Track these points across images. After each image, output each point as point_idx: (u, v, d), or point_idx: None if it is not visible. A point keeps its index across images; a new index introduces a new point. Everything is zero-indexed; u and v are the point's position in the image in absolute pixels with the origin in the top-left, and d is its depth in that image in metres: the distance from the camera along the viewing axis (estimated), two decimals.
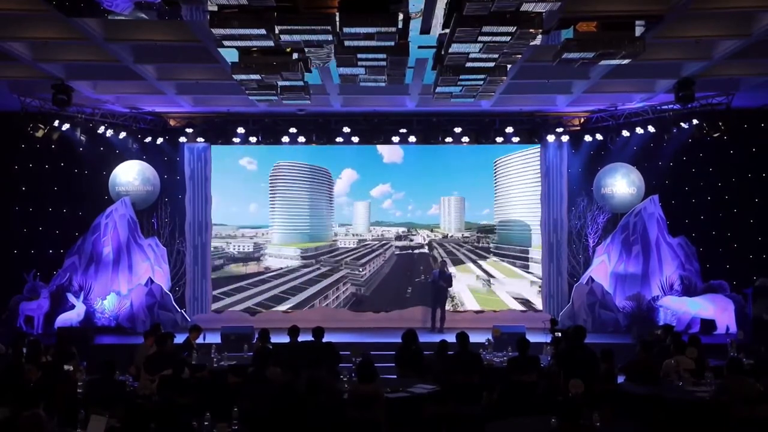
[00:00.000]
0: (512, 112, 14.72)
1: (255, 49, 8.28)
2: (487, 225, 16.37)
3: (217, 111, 14.69)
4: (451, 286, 14.98)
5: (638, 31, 8.62)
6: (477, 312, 15.40)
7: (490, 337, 10.76)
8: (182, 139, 14.98)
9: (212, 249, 15.82)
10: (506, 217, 16.22)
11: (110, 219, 15.06)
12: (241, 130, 14.67)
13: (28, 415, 5.41)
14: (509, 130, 14.68)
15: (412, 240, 16.46)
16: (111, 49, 10.26)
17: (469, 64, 8.75)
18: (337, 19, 7.21)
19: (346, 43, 7.81)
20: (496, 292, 15.78)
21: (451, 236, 16.36)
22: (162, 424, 5.76)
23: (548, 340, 10.60)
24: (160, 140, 15.02)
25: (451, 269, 15.43)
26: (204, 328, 10.63)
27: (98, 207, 15.17)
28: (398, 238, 16.42)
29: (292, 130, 14.70)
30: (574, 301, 14.77)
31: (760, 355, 9.40)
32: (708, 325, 13.71)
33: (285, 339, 9.79)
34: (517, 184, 16.15)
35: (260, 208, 16.20)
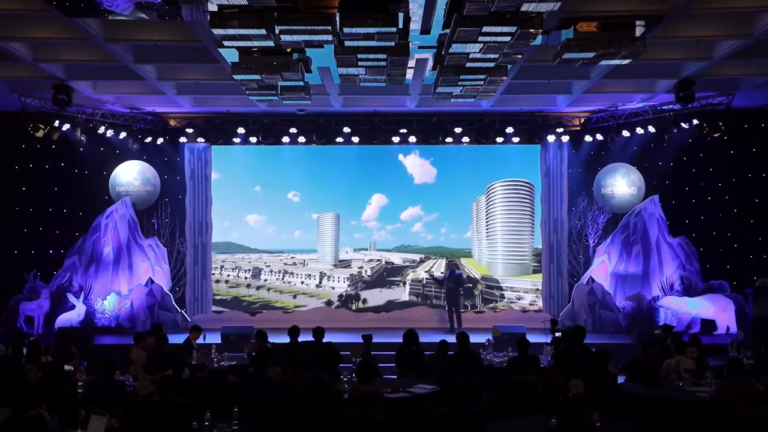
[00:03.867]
0: (512, 112, 14.71)
1: (255, 49, 8.28)
2: None
3: (217, 111, 14.69)
4: (462, 286, 14.88)
5: (638, 31, 8.62)
6: (477, 312, 15.39)
7: (490, 337, 10.75)
8: (182, 140, 14.98)
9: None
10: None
11: (110, 219, 15.06)
12: (241, 130, 14.67)
13: (32, 416, 5.41)
14: (509, 130, 14.67)
15: (360, 304, 15.33)
16: (111, 49, 10.25)
17: (469, 64, 8.75)
18: (338, 19, 7.21)
19: (347, 43, 7.82)
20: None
21: (502, 290, 15.42)
22: (162, 424, 5.76)
23: (548, 340, 10.61)
24: (160, 140, 15.02)
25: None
26: (204, 328, 10.67)
27: (98, 207, 15.16)
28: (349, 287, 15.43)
29: (293, 130, 14.71)
30: (575, 301, 14.76)
31: (760, 355, 9.39)
32: (708, 325, 13.70)
33: (285, 339, 9.78)
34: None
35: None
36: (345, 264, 15.84)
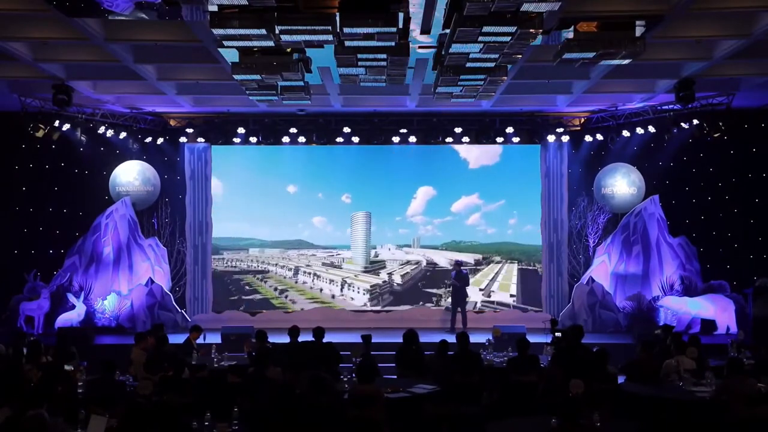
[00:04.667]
0: (512, 112, 14.71)
1: (255, 49, 8.28)
2: None
3: (217, 111, 14.69)
4: (467, 285, 14.73)
5: (638, 31, 8.62)
6: (477, 312, 15.39)
7: (490, 337, 10.75)
8: (182, 140, 14.99)
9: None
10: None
11: (110, 219, 15.06)
12: (241, 130, 14.68)
13: (32, 416, 5.41)
14: (509, 130, 14.67)
15: None
16: (111, 49, 10.26)
17: (469, 64, 8.76)
18: (338, 19, 7.22)
19: (347, 43, 7.82)
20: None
21: None
22: (162, 424, 5.76)
23: (548, 340, 10.60)
24: (160, 140, 15.03)
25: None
26: (204, 328, 10.67)
27: (98, 207, 15.16)
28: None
29: (293, 130, 14.71)
30: (575, 301, 14.76)
31: (760, 355, 9.39)
32: (708, 325, 13.70)
33: (285, 339, 9.78)
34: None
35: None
36: (378, 266, 15.04)
